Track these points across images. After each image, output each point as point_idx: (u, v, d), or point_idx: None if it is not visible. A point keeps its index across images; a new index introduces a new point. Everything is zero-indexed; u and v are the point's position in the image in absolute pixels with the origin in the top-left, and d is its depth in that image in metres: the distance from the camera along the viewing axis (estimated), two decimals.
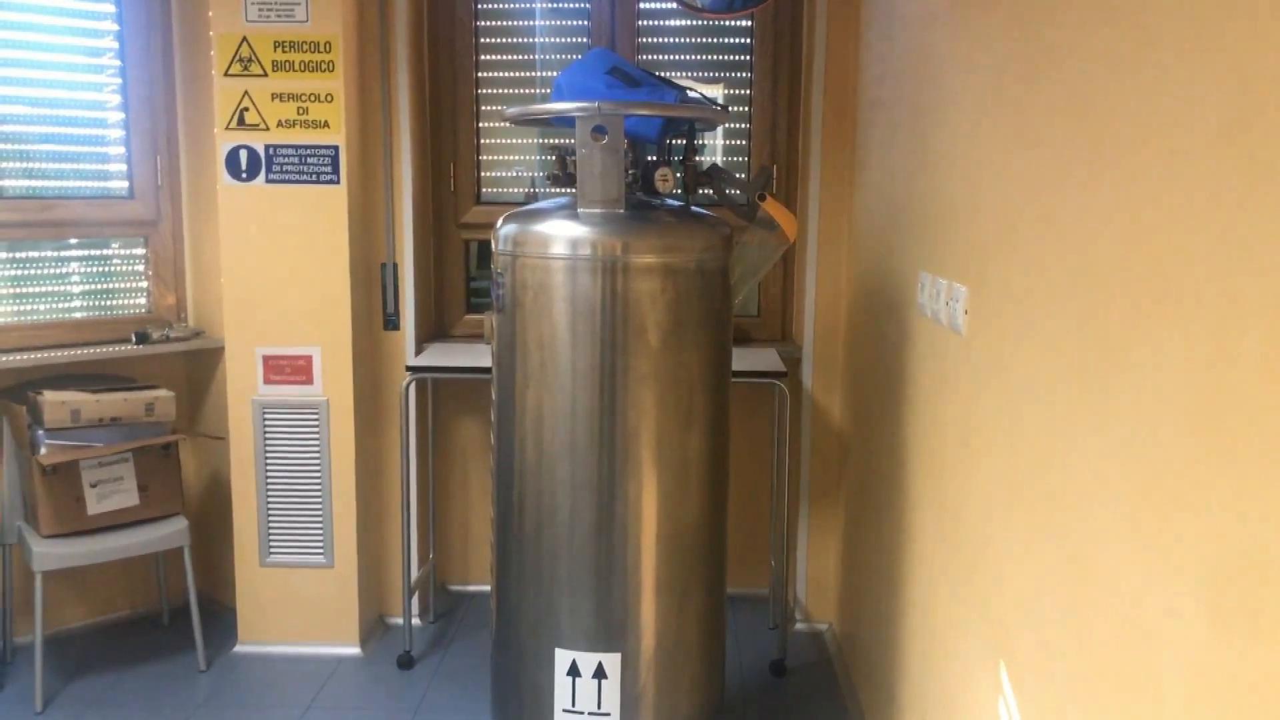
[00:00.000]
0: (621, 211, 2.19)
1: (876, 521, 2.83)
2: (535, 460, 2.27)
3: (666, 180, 2.28)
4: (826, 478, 3.53)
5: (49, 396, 2.95)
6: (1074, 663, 1.43)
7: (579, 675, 2.24)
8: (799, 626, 3.60)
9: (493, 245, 2.33)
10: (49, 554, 2.93)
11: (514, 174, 3.70)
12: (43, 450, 2.94)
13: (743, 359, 3.26)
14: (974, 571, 1.92)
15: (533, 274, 2.22)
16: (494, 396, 2.38)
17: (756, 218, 2.40)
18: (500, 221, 2.31)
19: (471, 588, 3.84)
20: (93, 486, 3.02)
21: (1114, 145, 1.34)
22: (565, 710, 2.25)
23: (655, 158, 2.42)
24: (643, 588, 2.25)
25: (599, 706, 2.24)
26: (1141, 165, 1.26)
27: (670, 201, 2.36)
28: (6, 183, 3.19)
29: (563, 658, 2.25)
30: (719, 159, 3.64)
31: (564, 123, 2.39)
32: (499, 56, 3.60)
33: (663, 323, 2.21)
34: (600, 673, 2.23)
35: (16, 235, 3.23)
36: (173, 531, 3.13)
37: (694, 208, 2.36)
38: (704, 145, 3.65)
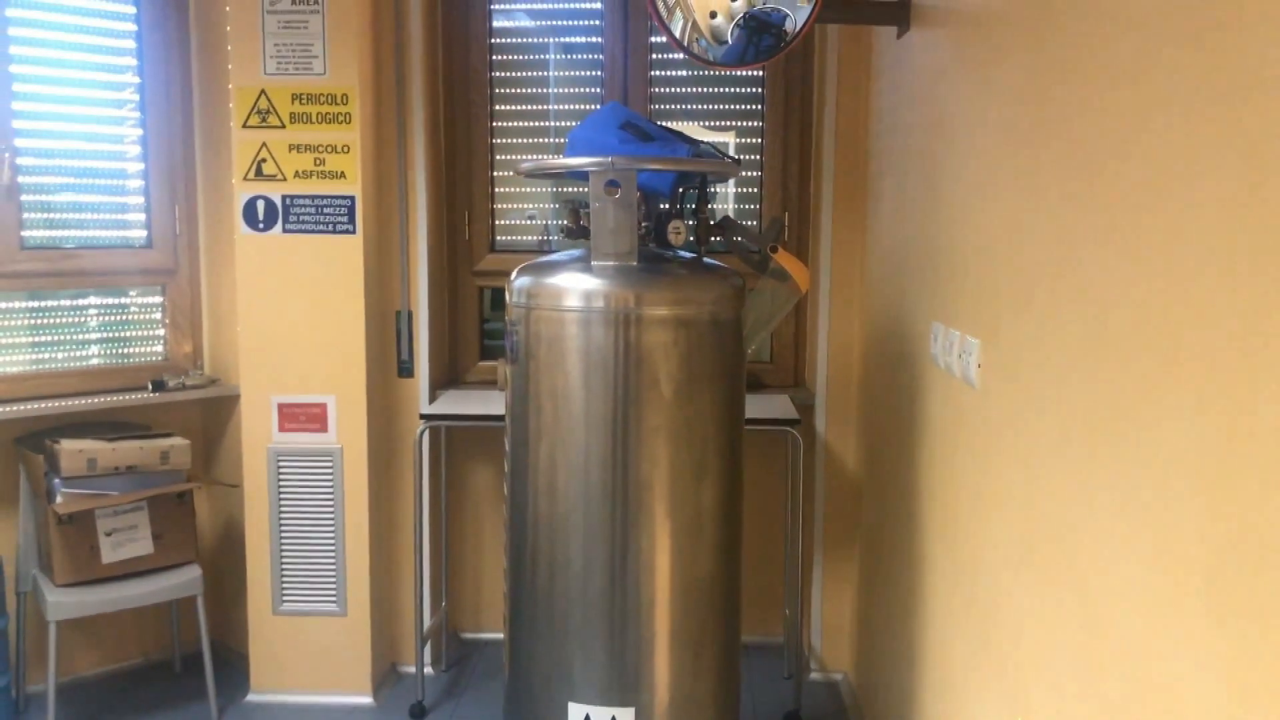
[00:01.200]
0: (634, 264, 2.20)
1: (891, 572, 2.81)
2: (548, 511, 2.27)
3: (679, 233, 2.29)
4: (841, 525, 3.51)
5: (66, 445, 2.97)
6: None
7: None
8: (814, 676, 3.56)
9: (507, 297, 2.35)
10: (63, 603, 2.94)
11: (527, 221, 3.73)
12: (59, 499, 2.95)
13: (755, 405, 3.26)
14: (989, 626, 1.90)
15: (546, 326, 2.23)
16: (507, 448, 2.38)
17: (769, 269, 2.41)
18: (514, 274, 2.33)
19: (484, 636, 3.82)
20: (107, 535, 3.03)
21: (1127, 203, 1.35)
22: None
23: (667, 208, 2.43)
24: (656, 640, 2.24)
25: None
26: (1154, 223, 1.27)
27: (682, 253, 2.38)
28: (28, 233, 3.24)
29: (576, 712, 2.24)
30: (731, 206, 3.66)
31: (577, 176, 2.41)
32: (513, 107, 3.64)
33: (675, 374, 2.22)
34: None
35: (37, 285, 3.27)
36: (186, 580, 3.13)
37: (706, 259, 2.38)
38: (716, 193, 3.67)
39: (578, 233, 2.37)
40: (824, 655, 3.57)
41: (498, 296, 3.75)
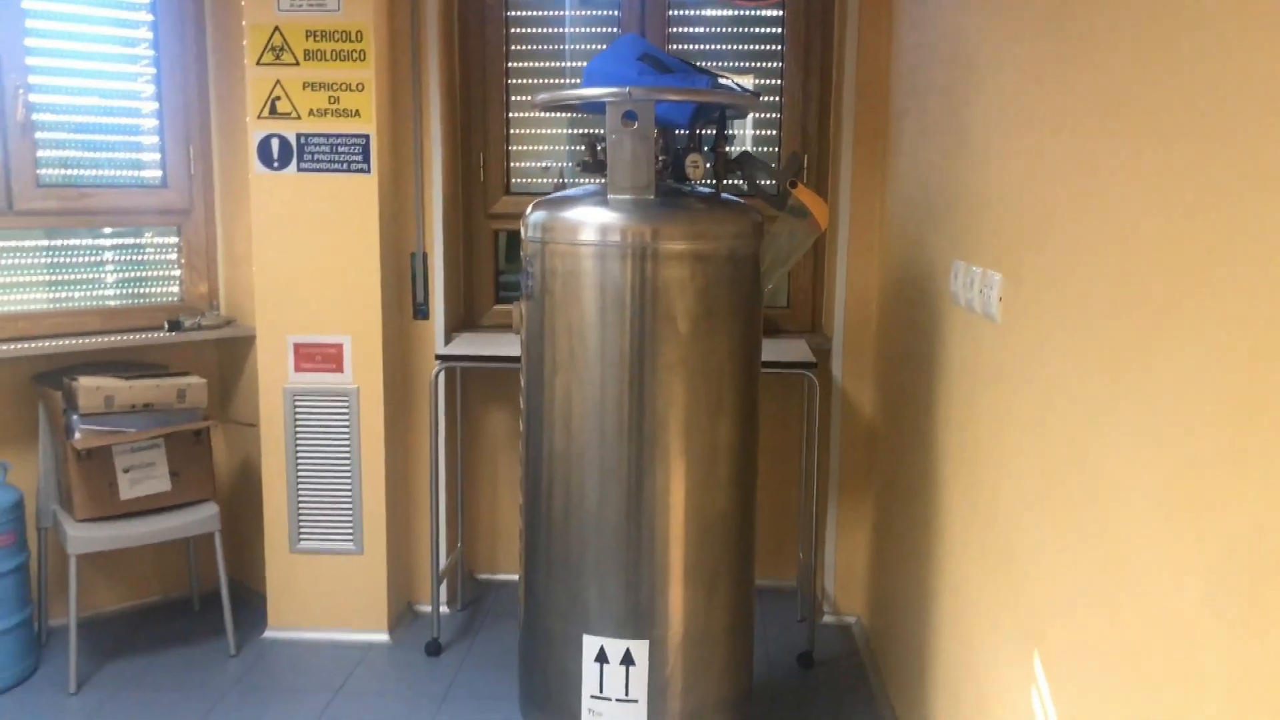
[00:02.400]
0: (651, 198, 2.18)
1: (906, 513, 2.81)
2: (564, 447, 2.27)
3: (697, 167, 2.27)
4: (856, 470, 3.50)
5: (84, 382, 2.98)
6: (1108, 652, 1.41)
7: (607, 661, 2.24)
8: (827, 619, 3.58)
9: (522, 232, 2.33)
10: (83, 537, 2.97)
11: (543, 165, 3.70)
12: (77, 435, 2.97)
13: (772, 350, 3.24)
14: (1006, 562, 1.90)
15: (562, 261, 2.22)
16: (523, 384, 2.38)
17: (788, 205, 2.38)
18: (530, 208, 2.31)
19: (499, 577, 3.85)
20: (125, 472, 3.05)
21: (1152, 134, 1.32)
22: (593, 696, 2.25)
23: (685, 143, 2.40)
24: (671, 575, 2.25)
25: (626, 693, 2.23)
26: (1181, 155, 1.24)
27: (700, 189, 2.35)
28: (44, 171, 3.23)
29: (590, 644, 2.25)
30: (749, 149, 3.62)
31: (594, 109, 2.38)
32: (529, 46, 3.60)
33: (692, 310, 2.20)
34: (628, 659, 2.23)
35: (52, 223, 3.26)
36: (204, 517, 3.15)
37: (724, 195, 2.35)
38: (734, 136, 3.63)
39: (594, 167, 2.34)
40: (837, 599, 3.59)
41: (513, 244, 3.73)
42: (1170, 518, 1.25)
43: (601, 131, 2.22)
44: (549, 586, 2.31)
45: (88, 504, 3.00)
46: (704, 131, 2.52)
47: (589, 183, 2.47)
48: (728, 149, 2.45)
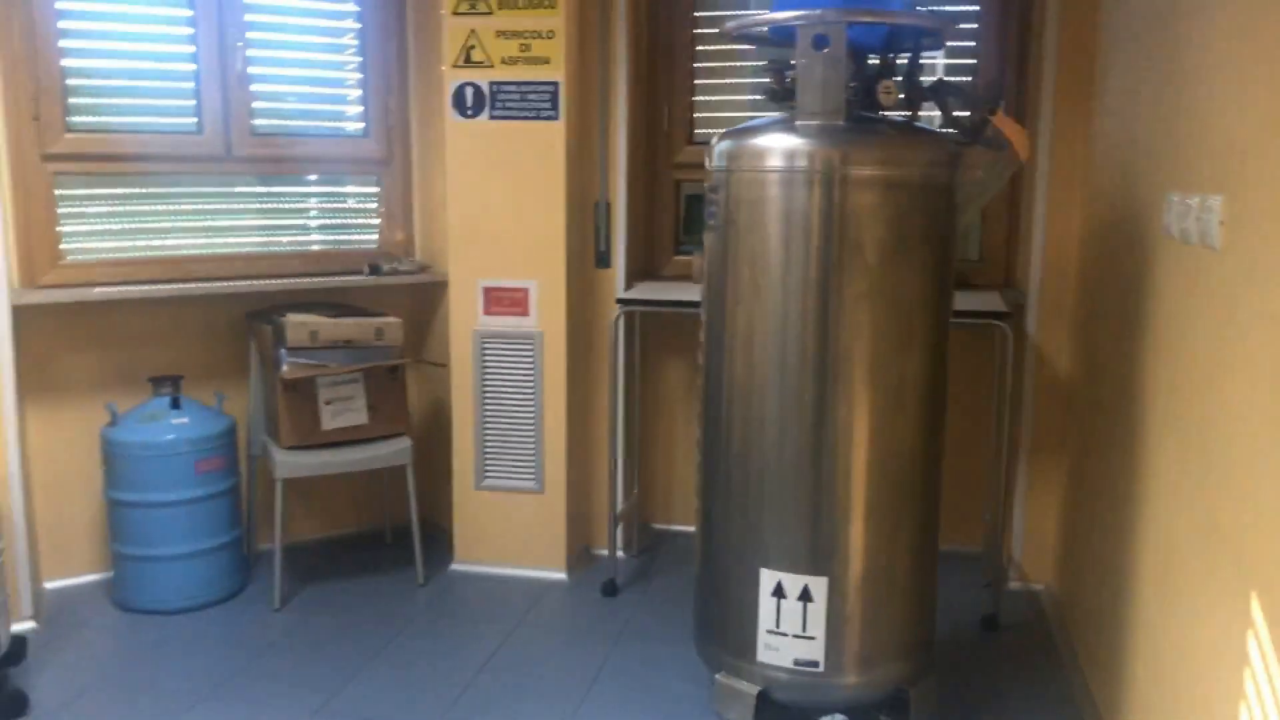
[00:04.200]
0: (841, 123, 2.12)
1: (1106, 473, 2.64)
2: (744, 380, 2.25)
3: (890, 92, 2.19)
4: (1049, 430, 3.33)
5: (291, 318, 3.16)
6: None
7: (784, 596, 2.21)
8: (1013, 585, 3.43)
9: (707, 163, 2.32)
10: (289, 463, 3.16)
11: (728, 115, 3.66)
12: (284, 367, 3.16)
13: (963, 301, 3.10)
14: (1222, 504, 1.76)
15: (747, 189, 2.19)
16: (703, 316, 2.36)
17: (984, 135, 2.27)
18: (716, 139, 2.29)
19: (674, 527, 3.87)
20: (327, 404, 3.22)
21: None
22: (769, 631, 2.23)
23: (876, 68, 2.32)
24: (852, 513, 2.19)
25: (804, 629, 2.20)
26: None
27: (892, 117, 2.27)
28: (257, 121, 3.44)
29: (768, 578, 2.23)
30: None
31: (783, 39, 2.33)
32: None
33: (882, 240, 2.13)
34: (806, 595, 2.19)
35: (264, 170, 3.48)
36: (398, 449, 3.30)
37: (917, 123, 2.27)
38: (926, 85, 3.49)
39: (781, 94, 2.30)
40: (1025, 566, 3.43)
41: (693, 217, 3.70)
42: None
43: (790, 58, 2.18)
44: (726, 519, 2.30)
45: (293, 432, 3.19)
46: (897, 55, 2.43)
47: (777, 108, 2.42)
48: (921, 75, 2.36)
